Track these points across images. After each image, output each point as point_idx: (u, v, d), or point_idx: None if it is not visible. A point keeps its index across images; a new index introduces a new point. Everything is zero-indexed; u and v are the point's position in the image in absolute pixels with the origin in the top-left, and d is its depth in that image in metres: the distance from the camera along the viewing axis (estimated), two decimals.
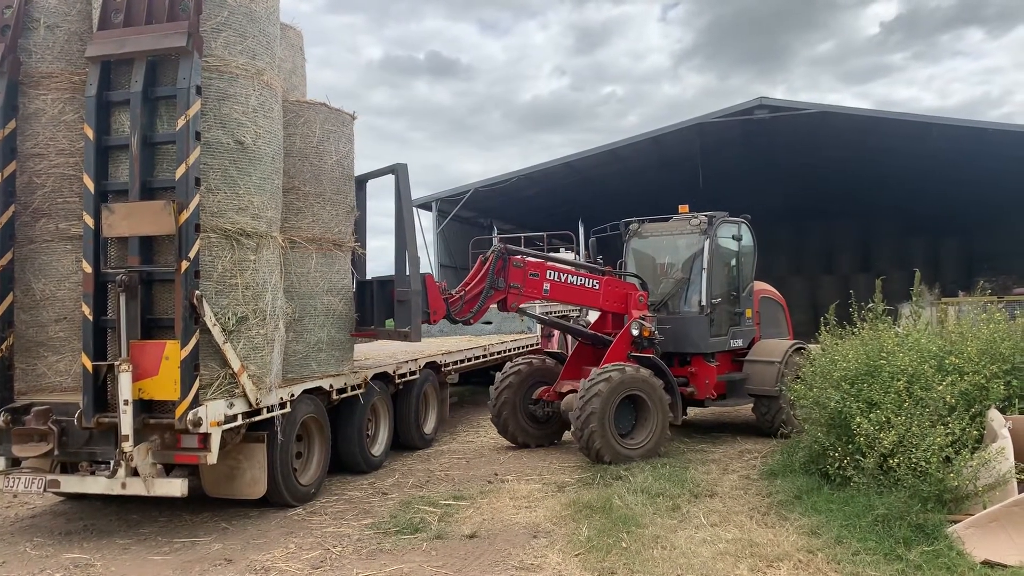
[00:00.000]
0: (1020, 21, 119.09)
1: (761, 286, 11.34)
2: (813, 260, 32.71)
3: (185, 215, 6.07)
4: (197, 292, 6.10)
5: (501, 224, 27.21)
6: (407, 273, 8.20)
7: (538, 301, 11.24)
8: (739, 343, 10.53)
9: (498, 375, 10.18)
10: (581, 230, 20.96)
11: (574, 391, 9.22)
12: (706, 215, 10.33)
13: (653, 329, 9.51)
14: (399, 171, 8.34)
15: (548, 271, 9.48)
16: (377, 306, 8.73)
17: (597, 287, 9.86)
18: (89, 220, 6.28)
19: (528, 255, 9.63)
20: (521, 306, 9.54)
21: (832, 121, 22.14)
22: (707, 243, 10.12)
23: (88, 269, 6.27)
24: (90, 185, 6.32)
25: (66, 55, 6.85)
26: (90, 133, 6.35)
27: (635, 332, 9.42)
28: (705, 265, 10.09)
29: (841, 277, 29.88)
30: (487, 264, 9.01)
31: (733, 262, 10.65)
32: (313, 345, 7.92)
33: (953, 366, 6.96)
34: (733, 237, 10.55)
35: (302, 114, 7.99)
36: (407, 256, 8.22)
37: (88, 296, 6.26)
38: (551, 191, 26.82)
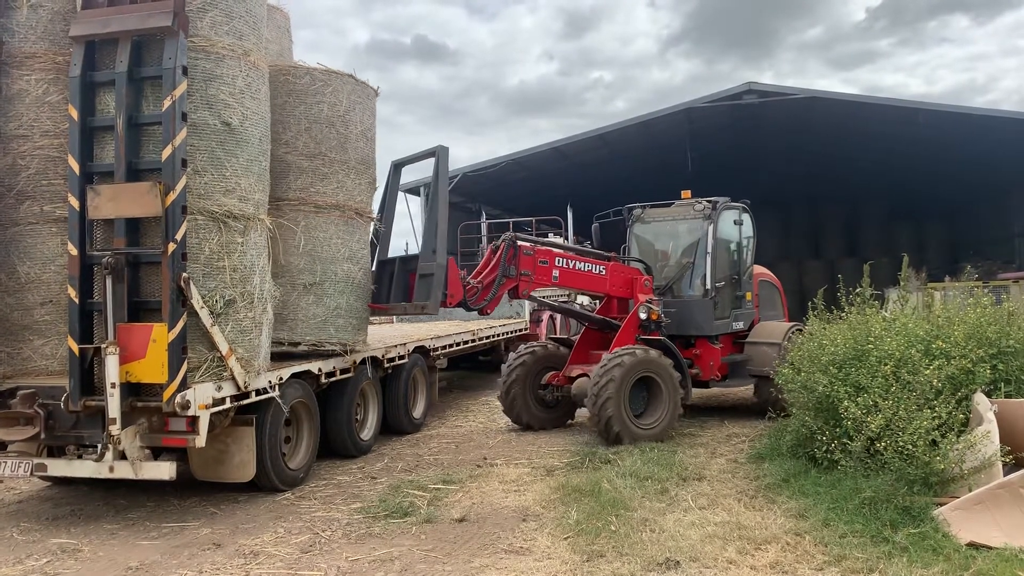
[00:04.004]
0: (1006, 8, 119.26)
1: (759, 269, 11.59)
2: (800, 245, 32.81)
3: (171, 197, 6.01)
4: (184, 274, 6.05)
5: (489, 209, 27.12)
6: (433, 250, 8.38)
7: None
8: (741, 325, 10.80)
9: (510, 356, 10.40)
10: (570, 215, 20.94)
11: (584, 375, 9.46)
12: (709, 200, 10.53)
13: (660, 312, 9.67)
14: (440, 153, 8.60)
15: (556, 258, 9.62)
16: (396, 284, 8.88)
17: (603, 273, 10.01)
18: (74, 202, 6.22)
19: (537, 243, 9.74)
20: (532, 293, 9.74)
21: (820, 106, 22.13)
22: (711, 228, 10.33)
23: (74, 251, 6.21)
24: (75, 167, 6.25)
25: (50, 35, 6.74)
26: (75, 114, 6.28)
27: (643, 315, 9.61)
28: (709, 249, 10.29)
29: (828, 262, 29.95)
30: (498, 252, 9.11)
31: (735, 246, 10.87)
32: (332, 310, 8.02)
33: (940, 350, 6.99)
34: (735, 222, 10.76)
35: (330, 83, 8.04)
36: (437, 233, 8.39)
37: (74, 279, 6.21)
38: (539, 176, 26.74)
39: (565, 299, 15.34)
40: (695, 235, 10.61)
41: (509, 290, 9.28)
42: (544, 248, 9.64)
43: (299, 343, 7.95)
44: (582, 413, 10.38)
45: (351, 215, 8.28)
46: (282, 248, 7.70)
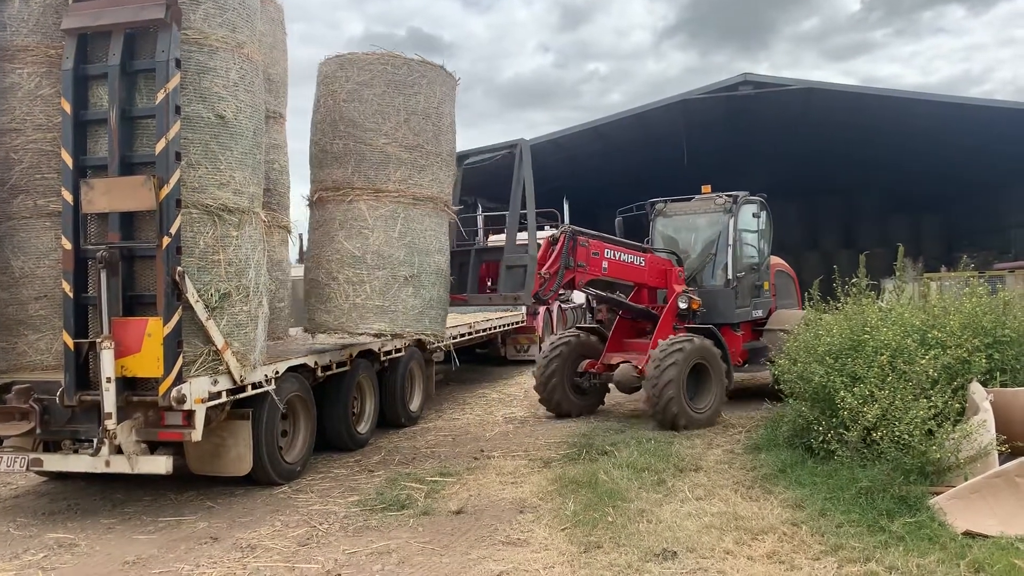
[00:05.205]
0: None
1: (775, 260, 12.15)
2: (797, 237, 32.83)
3: (165, 190, 5.98)
4: (179, 268, 6.03)
5: (486, 202, 27.06)
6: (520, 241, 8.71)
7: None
8: (759, 313, 11.32)
9: (544, 347, 10.83)
10: (566, 207, 20.90)
11: (625, 362, 9.97)
12: (729, 195, 11.03)
13: (700, 302, 10.21)
14: (522, 146, 8.94)
15: (606, 249, 9.93)
16: (471, 275, 9.13)
17: (643, 264, 10.40)
18: (68, 196, 6.19)
19: (589, 235, 9.96)
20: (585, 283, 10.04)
21: (816, 98, 22.12)
22: (731, 221, 10.80)
23: (68, 246, 6.18)
24: (68, 160, 6.22)
25: (42, 28, 6.72)
26: (67, 107, 6.24)
27: (683, 305, 10.16)
28: (730, 241, 10.78)
29: (825, 253, 29.98)
30: (559, 245, 9.37)
31: (753, 238, 11.34)
32: (427, 302, 8.07)
33: (936, 340, 7.01)
34: (753, 215, 11.24)
35: (426, 74, 8.01)
36: (528, 224, 8.76)
37: (68, 273, 6.19)
38: (535, 169, 26.56)
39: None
40: (716, 228, 11.05)
41: (566, 281, 9.61)
42: (596, 240, 9.95)
43: (400, 334, 8.08)
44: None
45: (441, 207, 8.33)
46: (383, 239, 7.77)
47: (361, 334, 7.93)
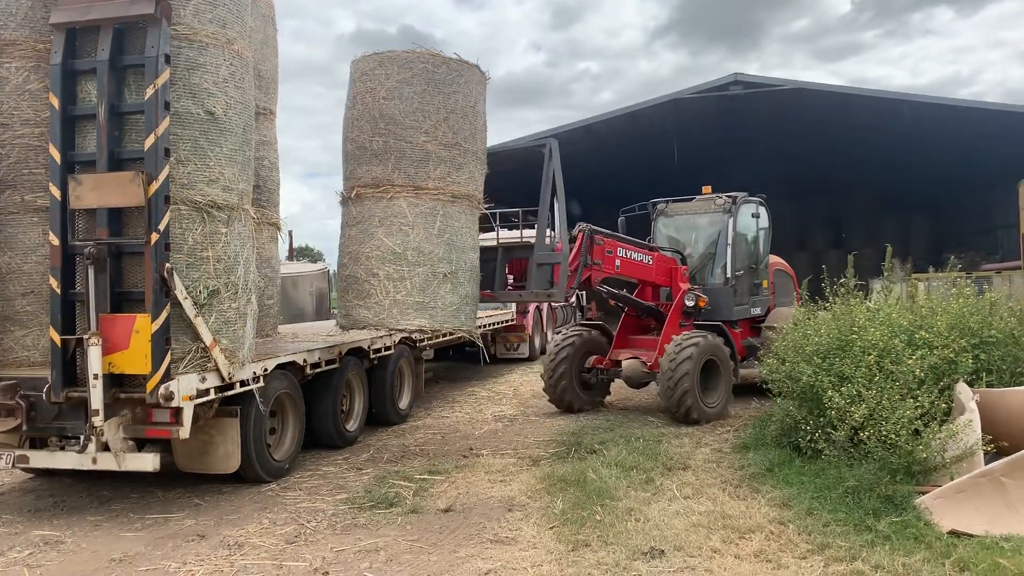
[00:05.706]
0: (989, 0, 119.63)
1: (774, 259, 12.42)
2: (786, 236, 32.89)
3: (154, 186, 5.96)
4: (168, 265, 6.00)
5: None
6: (548, 240, 8.87)
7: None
8: (758, 311, 11.61)
9: (551, 346, 10.98)
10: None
11: (634, 358, 10.26)
12: (729, 195, 11.31)
13: (707, 299, 10.43)
14: (551, 145, 9.08)
15: (619, 248, 10.09)
16: (498, 271, 9.28)
17: (651, 262, 10.61)
18: (56, 192, 6.15)
19: (604, 234, 10.05)
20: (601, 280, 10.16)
21: (806, 98, 22.18)
22: (731, 221, 11.08)
23: (55, 242, 6.15)
24: (56, 156, 6.18)
25: (30, 22, 6.66)
26: (55, 102, 6.20)
27: (690, 303, 10.41)
28: (729, 241, 11.06)
29: (814, 253, 30.08)
30: (577, 243, 9.52)
31: (752, 237, 11.58)
32: (463, 298, 8.10)
33: (923, 340, 7.04)
34: (752, 215, 11.51)
35: (463, 73, 8.00)
36: (557, 224, 8.89)
37: (56, 269, 6.15)
38: (525, 167, 26.66)
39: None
40: (716, 227, 11.31)
41: (583, 279, 9.71)
42: (611, 239, 10.08)
43: (439, 330, 8.20)
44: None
45: (475, 205, 8.39)
46: (423, 236, 7.82)
47: (401, 330, 8.04)
